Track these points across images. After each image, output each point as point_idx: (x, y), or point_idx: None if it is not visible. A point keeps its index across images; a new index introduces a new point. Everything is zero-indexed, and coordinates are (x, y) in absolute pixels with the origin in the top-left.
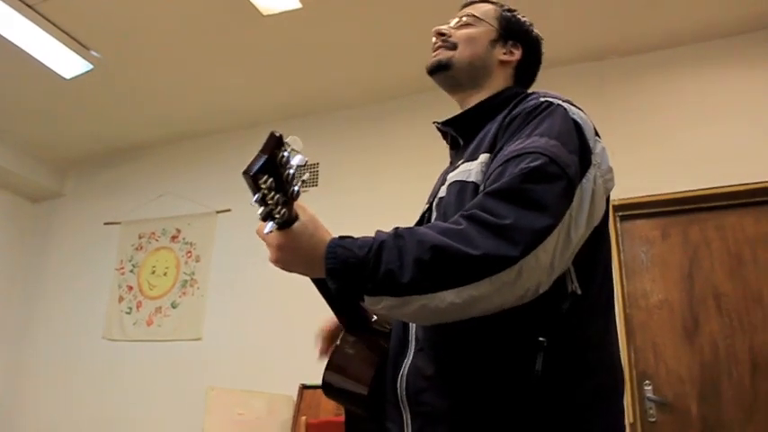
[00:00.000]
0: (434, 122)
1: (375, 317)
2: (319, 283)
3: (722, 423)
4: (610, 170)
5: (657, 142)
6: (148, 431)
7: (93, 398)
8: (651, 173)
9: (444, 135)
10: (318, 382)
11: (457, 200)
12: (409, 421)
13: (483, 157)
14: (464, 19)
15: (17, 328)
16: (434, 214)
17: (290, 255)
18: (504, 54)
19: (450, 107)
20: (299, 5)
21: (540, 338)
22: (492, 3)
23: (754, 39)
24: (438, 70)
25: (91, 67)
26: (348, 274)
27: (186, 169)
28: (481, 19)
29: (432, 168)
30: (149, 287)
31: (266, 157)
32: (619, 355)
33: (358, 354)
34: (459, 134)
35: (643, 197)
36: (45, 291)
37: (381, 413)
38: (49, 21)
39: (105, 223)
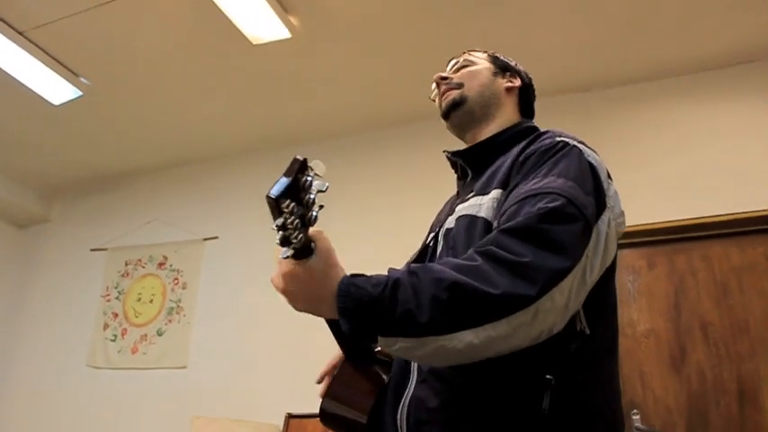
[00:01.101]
0: (445, 152)
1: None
2: (330, 322)
3: None
4: (622, 214)
5: (643, 172)
6: None
7: (76, 426)
8: (637, 202)
9: (453, 165)
10: (305, 410)
11: (466, 234)
12: None
13: (495, 192)
14: (461, 61)
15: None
16: (441, 244)
17: (299, 287)
18: (507, 82)
19: (437, 138)
20: (288, 35)
21: (548, 376)
22: (477, 50)
23: (738, 72)
24: (453, 108)
25: (80, 93)
26: (362, 314)
27: (174, 196)
28: (475, 60)
29: (418, 198)
30: (135, 314)
31: (290, 180)
32: (620, 394)
33: (358, 382)
34: (469, 165)
35: (629, 227)
36: (29, 316)
37: None
38: (38, 47)
39: (92, 249)
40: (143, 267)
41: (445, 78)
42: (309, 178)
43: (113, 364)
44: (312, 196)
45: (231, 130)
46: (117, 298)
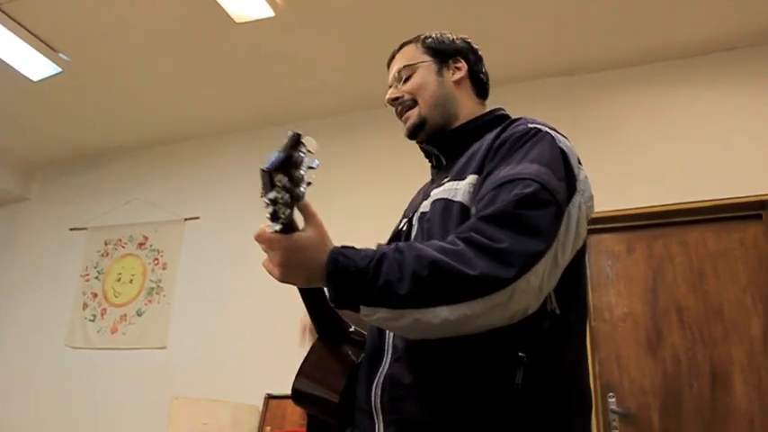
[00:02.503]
0: (418, 141)
1: (352, 327)
2: (304, 291)
3: None
4: (591, 197)
5: (623, 158)
6: None
7: (54, 406)
8: (617, 188)
9: (427, 154)
10: (284, 391)
11: (442, 217)
12: (382, 429)
13: (471, 177)
14: (402, 74)
15: None
16: (415, 228)
17: (293, 261)
18: (453, 74)
19: None
20: (272, 14)
21: (521, 354)
22: (409, 42)
23: (720, 59)
24: (417, 131)
25: (59, 70)
26: (347, 282)
27: (155, 176)
28: (414, 64)
29: (397, 181)
30: (114, 294)
31: (284, 155)
32: (588, 375)
33: (330, 361)
34: (443, 153)
35: (609, 212)
36: (7, 296)
37: (351, 421)
38: (16, 22)
39: (71, 229)
40: (123, 247)
41: (397, 99)
42: (302, 154)
43: (92, 345)
44: (302, 172)
45: (213, 109)
46: (96, 278)
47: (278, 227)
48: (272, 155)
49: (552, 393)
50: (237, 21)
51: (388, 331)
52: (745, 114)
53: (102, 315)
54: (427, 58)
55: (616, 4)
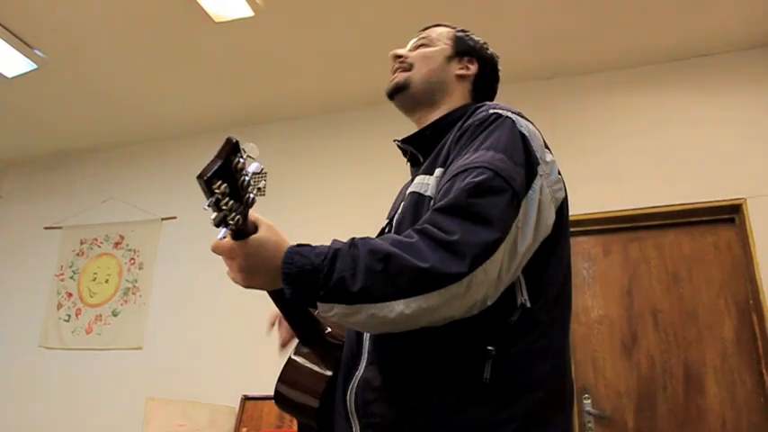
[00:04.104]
0: (395, 140)
1: (329, 329)
2: (275, 296)
3: None
4: (559, 181)
5: (600, 161)
6: None
7: (27, 408)
8: (594, 191)
9: (404, 152)
10: (260, 393)
11: (412, 211)
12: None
13: (438, 171)
14: (420, 41)
15: None
16: (395, 225)
17: (253, 264)
18: (461, 69)
19: (397, 123)
20: (251, 14)
21: (489, 347)
22: (446, 25)
23: (695, 64)
24: (396, 92)
25: (34, 66)
26: (303, 280)
27: (131, 175)
28: (436, 39)
29: (379, 182)
30: (90, 294)
31: (221, 161)
32: (570, 369)
33: (310, 366)
34: (419, 151)
35: (586, 215)
36: None
37: (331, 427)
38: None
39: (45, 227)
40: (99, 247)
41: (399, 57)
42: (242, 160)
43: (67, 345)
44: (247, 178)
45: (191, 109)
46: (71, 277)
47: (226, 232)
48: (209, 162)
49: (522, 387)
50: (217, 20)
51: (365, 336)
52: (719, 119)
53: (77, 315)
54: (449, 43)
55: (592, 10)
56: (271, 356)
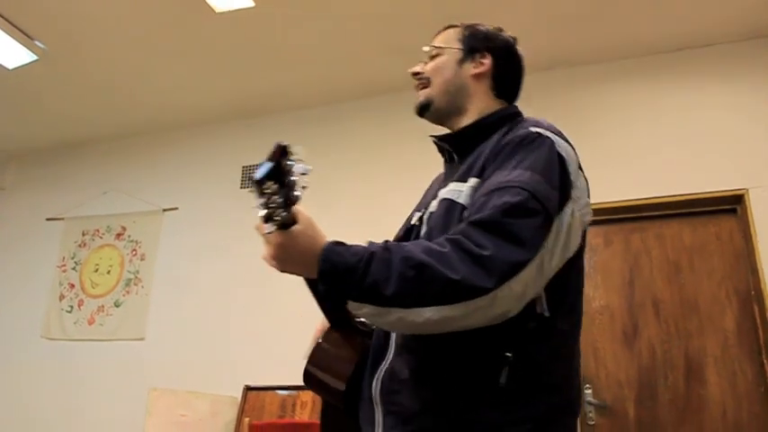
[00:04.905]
0: (431, 136)
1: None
2: (309, 283)
3: (657, 425)
4: (587, 204)
5: (602, 151)
6: None
7: (30, 399)
8: (595, 181)
9: (440, 149)
10: (262, 383)
11: (444, 217)
12: (381, 419)
13: (472, 181)
14: (431, 52)
15: None
16: (424, 227)
17: (288, 254)
18: (475, 68)
19: (398, 114)
20: (252, 4)
21: (507, 353)
22: (453, 26)
23: (697, 55)
24: (422, 111)
25: (35, 57)
26: (337, 278)
27: (133, 166)
28: (444, 47)
29: (379, 171)
30: (92, 285)
31: (272, 164)
32: (579, 376)
33: (339, 350)
34: (455, 150)
35: None
36: None
37: (357, 409)
38: None
39: (48, 219)
40: (101, 238)
41: (416, 74)
42: (292, 162)
43: (69, 336)
44: (294, 178)
45: (193, 100)
46: (73, 268)
47: (273, 228)
48: (261, 164)
49: (537, 392)
50: (217, 10)
51: None
52: (721, 110)
53: (79, 306)
54: (457, 45)
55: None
56: (272, 347)
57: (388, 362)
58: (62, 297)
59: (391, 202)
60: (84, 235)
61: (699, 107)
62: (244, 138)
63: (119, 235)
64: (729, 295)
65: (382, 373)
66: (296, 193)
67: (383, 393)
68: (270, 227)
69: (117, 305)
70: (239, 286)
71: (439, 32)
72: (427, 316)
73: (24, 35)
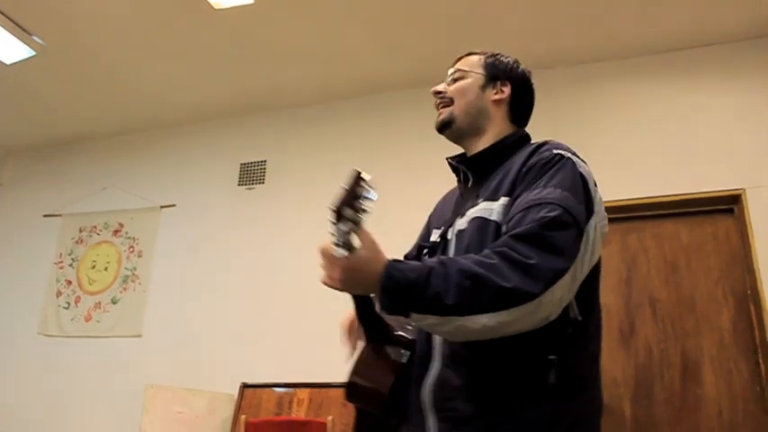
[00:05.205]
0: (447, 158)
1: (397, 330)
2: (357, 299)
3: (653, 424)
4: (605, 217)
5: (599, 151)
6: (85, 430)
7: (27, 395)
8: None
9: (454, 169)
10: (259, 380)
11: (478, 234)
12: (434, 424)
13: (503, 199)
14: (455, 74)
15: None
16: (453, 243)
17: (355, 277)
18: (496, 94)
19: (395, 114)
20: (251, 1)
21: (551, 356)
22: (476, 53)
23: (695, 54)
24: (444, 128)
25: (33, 53)
26: (401, 294)
27: (131, 162)
28: (468, 70)
29: (376, 171)
30: (89, 282)
31: (350, 192)
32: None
33: (380, 360)
34: (471, 172)
35: None
36: None
37: (399, 416)
38: None
39: (45, 215)
40: (98, 234)
41: (439, 93)
42: (364, 189)
43: (66, 332)
44: (364, 204)
45: (191, 96)
46: (70, 265)
47: (345, 253)
48: (339, 192)
49: (578, 389)
50: (216, 7)
51: (435, 339)
52: (718, 110)
53: (76, 303)
54: (480, 71)
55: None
56: (269, 344)
57: (435, 371)
58: (59, 294)
59: (389, 200)
60: (81, 231)
61: (696, 107)
62: (242, 135)
63: (116, 231)
64: (726, 295)
65: (430, 382)
66: (363, 217)
67: (436, 401)
68: (342, 251)
69: (114, 302)
70: (236, 283)
71: (461, 57)
72: (483, 322)
73: (22, 30)
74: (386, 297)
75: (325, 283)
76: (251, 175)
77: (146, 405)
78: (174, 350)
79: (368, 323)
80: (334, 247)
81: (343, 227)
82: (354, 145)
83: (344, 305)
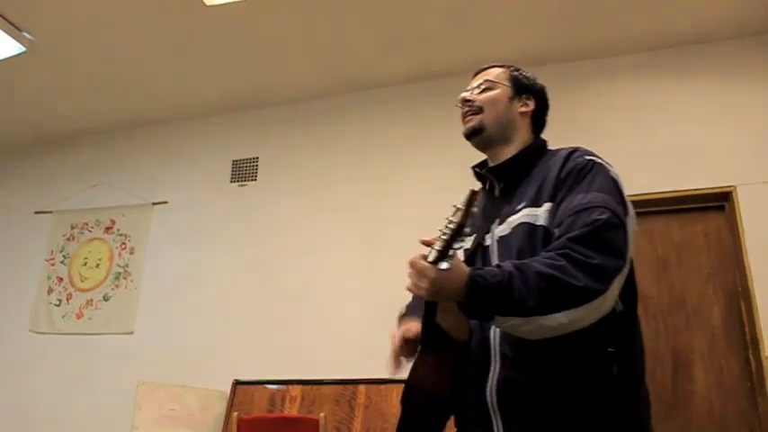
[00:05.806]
0: (473, 167)
1: (453, 335)
2: (427, 305)
3: None
4: (634, 216)
5: (590, 148)
6: (77, 427)
7: (18, 393)
8: None
9: (479, 177)
10: (251, 377)
11: (527, 239)
12: (500, 423)
13: (547, 205)
14: (483, 85)
15: None
16: (496, 248)
17: (444, 286)
18: (522, 107)
19: (388, 110)
20: None
21: (610, 349)
22: (499, 66)
23: (687, 52)
24: (473, 134)
25: (23, 49)
26: (485, 299)
27: (123, 159)
28: (496, 82)
29: (368, 168)
30: (81, 279)
31: (467, 211)
32: None
33: (437, 361)
34: (498, 179)
35: None
36: None
37: (461, 414)
38: None
39: (36, 212)
40: (89, 231)
41: (468, 101)
42: (475, 209)
43: (57, 330)
44: (468, 221)
45: (182, 93)
46: (62, 262)
47: (446, 266)
48: (458, 211)
49: (634, 378)
50: (208, 3)
51: (492, 340)
52: (710, 107)
53: (67, 300)
54: (508, 83)
55: None
56: (262, 341)
57: (497, 372)
58: (50, 291)
59: (383, 194)
60: (72, 228)
61: (687, 104)
62: (234, 132)
63: (108, 228)
64: (716, 291)
65: (494, 383)
66: (467, 231)
67: (501, 400)
68: (445, 264)
69: (106, 299)
70: (228, 280)
71: (486, 69)
72: (560, 320)
73: (12, 26)
74: (472, 303)
75: (411, 291)
76: (243, 171)
77: (138, 402)
78: (166, 347)
79: (428, 324)
80: (433, 258)
81: (457, 244)
82: (348, 142)
83: (337, 302)
